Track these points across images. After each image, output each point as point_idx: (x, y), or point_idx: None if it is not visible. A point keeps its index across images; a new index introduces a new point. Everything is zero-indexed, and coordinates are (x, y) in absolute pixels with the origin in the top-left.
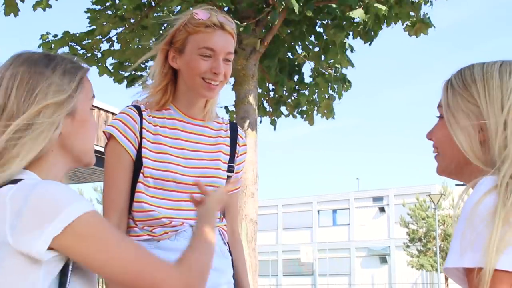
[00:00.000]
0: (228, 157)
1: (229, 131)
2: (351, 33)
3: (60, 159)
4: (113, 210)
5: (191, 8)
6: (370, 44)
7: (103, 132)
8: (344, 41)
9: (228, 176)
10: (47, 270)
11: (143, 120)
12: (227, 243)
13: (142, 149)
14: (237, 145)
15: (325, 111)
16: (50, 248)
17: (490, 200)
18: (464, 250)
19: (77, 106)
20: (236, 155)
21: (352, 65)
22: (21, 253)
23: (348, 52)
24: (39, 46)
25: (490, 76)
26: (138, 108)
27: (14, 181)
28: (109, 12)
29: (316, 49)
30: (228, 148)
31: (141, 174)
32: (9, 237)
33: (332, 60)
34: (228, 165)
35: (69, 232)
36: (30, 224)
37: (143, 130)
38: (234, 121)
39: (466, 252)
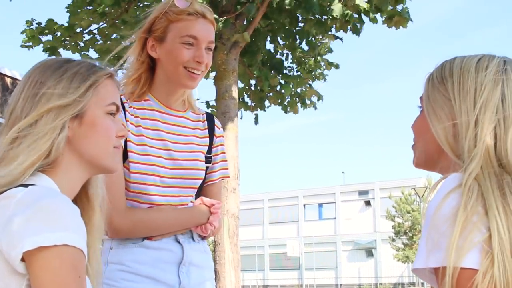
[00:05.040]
0: (206, 148)
1: (206, 122)
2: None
3: (74, 164)
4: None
5: None
6: (358, 35)
7: None
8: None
9: (207, 167)
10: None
11: (126, 113)
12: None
13: (128, 143)
14: (214, 136)
15: (312, 98)
16: (24, 261)
17: (453, 200)
18: (429, 250)
19: (86, 110)
20: (212, 146)
21: (331, 51)
22: (5, 259)
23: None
24: (22, 32)
25: (466, 71)
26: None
27: (27, 185)
28: (89, 7)
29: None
30: (207, 139)
31: (124, 169)
32: None
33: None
34: (206, 156)
35: (40, 255)
36: (18, 231)
37: (127, 123)
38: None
39: (432, 252)
